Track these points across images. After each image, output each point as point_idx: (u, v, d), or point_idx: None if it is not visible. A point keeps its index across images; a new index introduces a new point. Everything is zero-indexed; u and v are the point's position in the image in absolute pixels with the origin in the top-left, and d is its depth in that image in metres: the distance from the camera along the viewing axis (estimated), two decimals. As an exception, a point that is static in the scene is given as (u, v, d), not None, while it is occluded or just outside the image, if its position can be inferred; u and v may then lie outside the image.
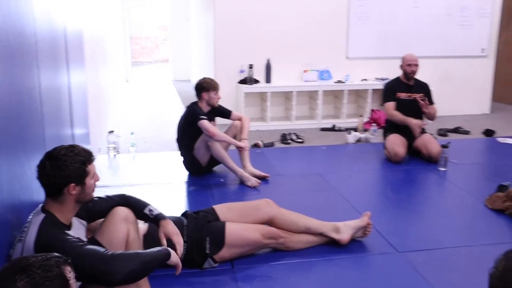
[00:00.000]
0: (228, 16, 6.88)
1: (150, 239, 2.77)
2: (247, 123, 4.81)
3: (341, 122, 6.96)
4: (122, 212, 2.53)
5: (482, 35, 7.70)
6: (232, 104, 6.29)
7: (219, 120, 4.87)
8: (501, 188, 4.08)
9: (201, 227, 3.05)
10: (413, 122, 5.22)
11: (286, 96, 7.17)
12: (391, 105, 5.41)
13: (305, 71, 7.10)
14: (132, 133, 5.55)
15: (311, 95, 7.20)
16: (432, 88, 5.63)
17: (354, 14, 7.20)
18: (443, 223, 3.78)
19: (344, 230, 3.28)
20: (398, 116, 5.31)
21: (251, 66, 6.85)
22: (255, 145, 5.88)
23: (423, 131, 5.36)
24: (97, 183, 2.38)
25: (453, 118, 7.34)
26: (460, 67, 7.73)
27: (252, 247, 3.15)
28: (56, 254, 1.55)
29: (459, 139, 6.37)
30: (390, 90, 5.49)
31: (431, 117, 5.49)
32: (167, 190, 4.45)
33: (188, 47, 11.62)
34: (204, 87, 4.62)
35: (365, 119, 6.81)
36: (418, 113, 5.38)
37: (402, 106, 5.38)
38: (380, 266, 3.14)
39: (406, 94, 5.42)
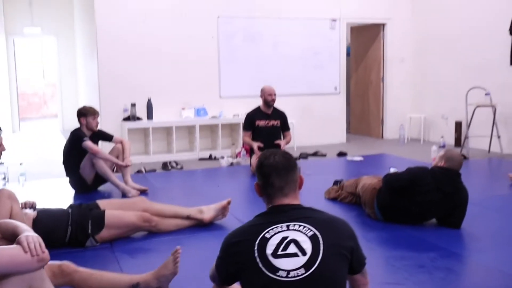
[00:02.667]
0: (110, 61, 7.57)
1: (39, 223, 3.33)
2: (128, 144, 5.46)
3: (217, 152, 7.77)
4: (6, 191, 3.12)
5: (334, 75, 9.01)
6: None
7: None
8: (336, 182, 5.05)
9: (84, 212, 3.64)
10: (255, 146, 6.17)
11: (167, 131, 7.88)
12: (246, 134, 6.42)
13: (183, 109, 7.89)
14: (21, 164, 5.93)
15: (190, 129, 7.97)
16: (293, 121, 6.65)
17: (223, 59, 8.20)
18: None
19: (206, 211, 4.01)
20: (247, 142, 6.38)
21: (133, 105, 7.53)
22: (139, 171, 6.48)
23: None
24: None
25: (315, 146, 8.41)
26: (318, 103, 8.92)
27: (129, 228, 3.76)
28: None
29: (317, 159, 7.43)
30: (249, 119, 6.42)
31: (288, 143, 6.48)
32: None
33: (76, 101, 11.90)
34: (82, 112, 5.25)
35: (238, 149, 7.66)
36: (274, 138, 6.33)
37: (260, 133, 6.32)
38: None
39: (265, 121, 6.36)
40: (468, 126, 7.70)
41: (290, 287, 1.86)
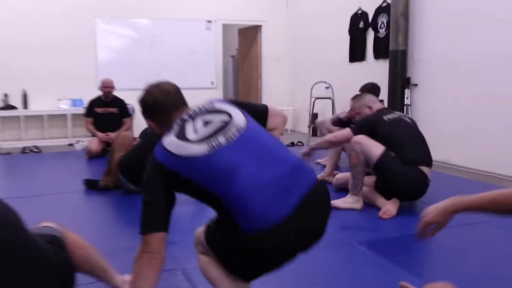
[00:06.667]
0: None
1: None
2: None
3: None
4: None
5: (210, 72, 8.99)
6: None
7: None
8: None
9: None
10: (99, 135, 6.26)
11: (42, 119, 7.76)
12: (88, 120, 6.43)
13: (58, 100, 7.82)
14: None
15: (64, 118, 7.86)
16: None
17: (101, 56, 8.15)
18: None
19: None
20: (91, 129, 6.41)
21: (6, 95, 7.45)
22: None
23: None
24: None
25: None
26: (197, 96, 8.84)
27: None
28: None
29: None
30: (89, 106, 6.42)
31: (128, 130, 6.42)
32: None
33: None
34: None
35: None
36: (113, 124, 6.31)
37: (99, 118, 6.31)
38: None
39: (103, 108, 6.34)
40: (311, 115, 7.77)
41: None
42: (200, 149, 1.59)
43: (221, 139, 1.62)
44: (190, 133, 1.65)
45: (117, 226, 3.45)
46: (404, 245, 2.84)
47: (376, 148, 3.42)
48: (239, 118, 1.72)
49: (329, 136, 3.83)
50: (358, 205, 3.59)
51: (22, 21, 7.63)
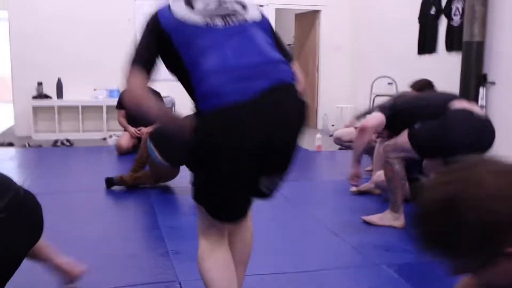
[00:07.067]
0: (23, 41, 7.94)
1: None
2: None
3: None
4: None
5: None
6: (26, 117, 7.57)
7: None
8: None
9: None
10: (131, 129, 6.51)
11: (77, 110, 8.12)
12: (120, 112, 6.70)
13: (94, 89, 8.16)
14: None
15: (100, 109, 8.19)
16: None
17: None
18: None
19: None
20: (122, 123, 6.70)
21: (40, 83, 7.87)
22: (23, 146, 6.86)
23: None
24: None
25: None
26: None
27: None
28: None
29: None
30: (121, 97, 6.63)
31: None
32: None
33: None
34: None
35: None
36: (147, 118, 6.49)
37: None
38: None
39: None
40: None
41: None
42: (195, 19, 1.79)
43: (219, 22, 1.80)
44: (198, 5, 1.84)
45: (126, 230, 3.57)
46: (440, 273, 2.72)
47: (403, 136, 3.40)
48: (251, 16, 1.87)
49: (358, 129, 3.69)
50: (398, 223, 3.49)
51: (57, 6, 8.03)
